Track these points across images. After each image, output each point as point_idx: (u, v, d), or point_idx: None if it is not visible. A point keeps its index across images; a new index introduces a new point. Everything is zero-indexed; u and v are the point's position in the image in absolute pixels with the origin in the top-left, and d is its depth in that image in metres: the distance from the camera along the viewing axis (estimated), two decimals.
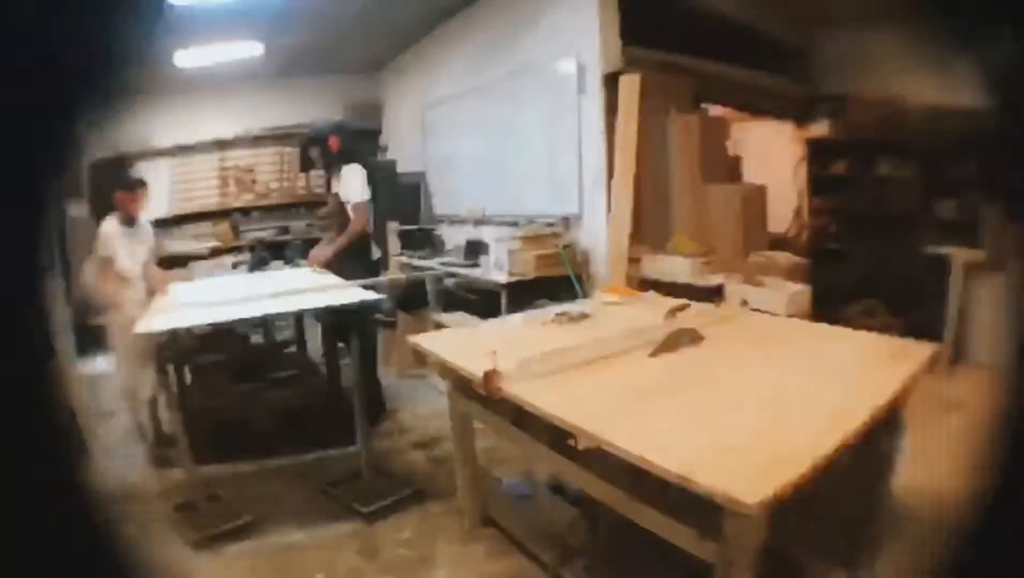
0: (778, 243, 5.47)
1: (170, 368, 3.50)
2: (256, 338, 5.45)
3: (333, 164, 4.50)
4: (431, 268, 5.75)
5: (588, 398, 2.02)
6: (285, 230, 8.23)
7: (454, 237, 6.56)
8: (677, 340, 2.39)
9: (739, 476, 1.45)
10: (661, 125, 4.74)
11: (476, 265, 5.42)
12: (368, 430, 3.50)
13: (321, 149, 4.49)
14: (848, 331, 2.71)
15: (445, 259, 6.00)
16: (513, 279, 4.69)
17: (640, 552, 2.39)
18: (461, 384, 2.82)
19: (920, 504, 2.71)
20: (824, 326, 2.88)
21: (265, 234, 8.12)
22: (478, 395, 2.63)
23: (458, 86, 6.68)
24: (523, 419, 2.37)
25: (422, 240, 6.54)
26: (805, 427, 1.70)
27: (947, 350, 4.80)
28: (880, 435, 2.14)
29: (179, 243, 7.72)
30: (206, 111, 8.06)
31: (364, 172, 4.40)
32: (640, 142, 4.52)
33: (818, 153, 6.40)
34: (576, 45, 4.88)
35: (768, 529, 1.54)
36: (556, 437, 2.27)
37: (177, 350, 3.74)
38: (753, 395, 1.97)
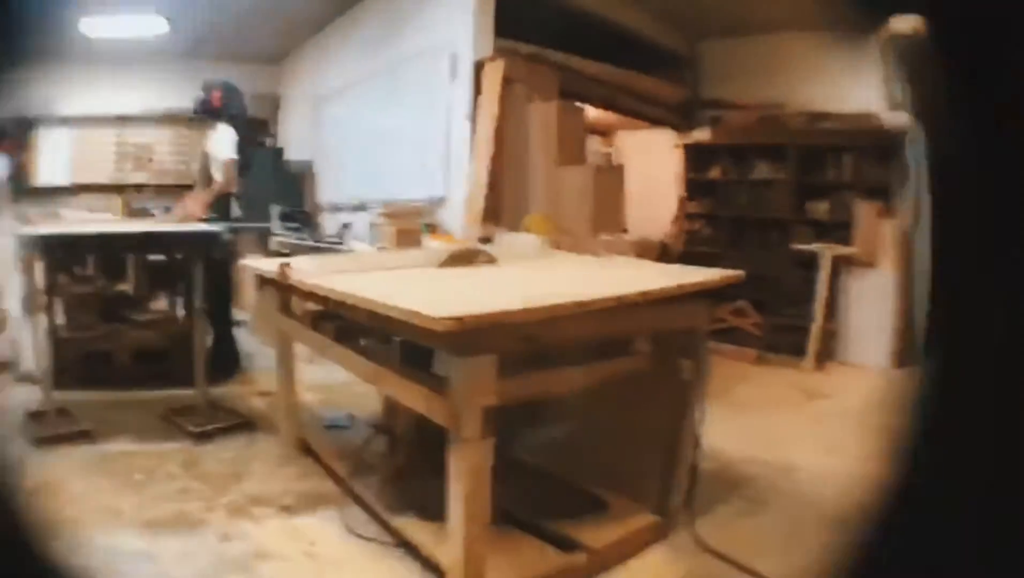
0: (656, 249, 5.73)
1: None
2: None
3: (213, 118, 4.68)
4: (306, 245, 5.94)
5: (365, 285, 2.18)
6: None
7: (336, 223, 6.72)
8: (467, 256, 2.62)
9: (444, 312, 1.64)
10: (524, 112, 4.98)
11: (341, 243, 5.67)
12: (208, 370, 3.64)
13: (205, 103, 4.65)
14: (655, 264, 2.98)
15: (319, 238, 6.21)
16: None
17: (432, 470, 2.53)
18: (284, 304, 2.99)
19: (767, 473, 2.99)
20: (640, 261, 3.12)
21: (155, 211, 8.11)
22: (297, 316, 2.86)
23: (346, 79, 6.90)
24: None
25: (300, 221, 6.74)
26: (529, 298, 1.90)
27: (814, 344, 5.05)
28: (672, 358, 2.35)
29: (73, 213, 7.68)
30: (110, 84, 7.98)
31: (234, 133, 4.55)
32: (503, 128, 4.78)
33: (696, 158, 6.62)
34: (452, 36, 5.15)
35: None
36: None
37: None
38: (511, 284, 2.19)
